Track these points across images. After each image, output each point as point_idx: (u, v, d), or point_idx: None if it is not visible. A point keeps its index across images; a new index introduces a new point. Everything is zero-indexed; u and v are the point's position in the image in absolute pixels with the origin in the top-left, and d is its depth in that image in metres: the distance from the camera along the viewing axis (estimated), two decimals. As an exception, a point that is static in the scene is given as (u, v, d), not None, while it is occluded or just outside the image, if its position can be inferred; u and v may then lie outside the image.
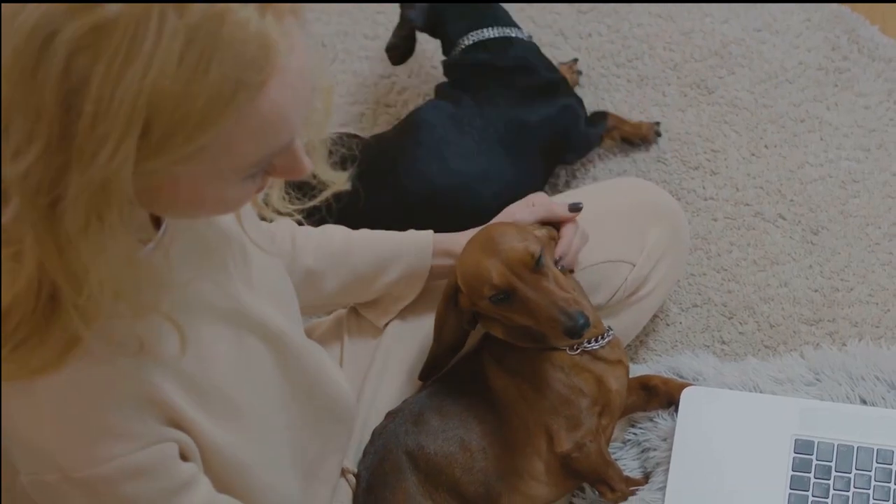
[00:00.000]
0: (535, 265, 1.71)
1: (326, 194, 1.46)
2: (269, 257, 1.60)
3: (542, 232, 1.82)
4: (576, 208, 1.86)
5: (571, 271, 1.88)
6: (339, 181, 1.44)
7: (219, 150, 1.13)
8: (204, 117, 1.08)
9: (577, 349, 1.82)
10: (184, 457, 1.40)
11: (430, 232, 1.90)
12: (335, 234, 1.88)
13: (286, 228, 1.84)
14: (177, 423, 1.37)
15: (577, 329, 1.68)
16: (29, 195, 1.08)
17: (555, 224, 1.86)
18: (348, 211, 1.93)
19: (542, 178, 2.35)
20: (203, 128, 1.09)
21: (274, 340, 1.55)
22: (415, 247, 1.88)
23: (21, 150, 1.07)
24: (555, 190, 2.43)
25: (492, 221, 1.86)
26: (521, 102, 2.30)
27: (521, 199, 1.90)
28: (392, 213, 2.11)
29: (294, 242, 1.84)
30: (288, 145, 1.20)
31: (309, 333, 1.92)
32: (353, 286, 1.89)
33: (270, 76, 1.11)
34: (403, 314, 1.94)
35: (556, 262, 1.80)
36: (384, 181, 2.20)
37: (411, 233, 1.91)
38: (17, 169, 1.07)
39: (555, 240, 1.82)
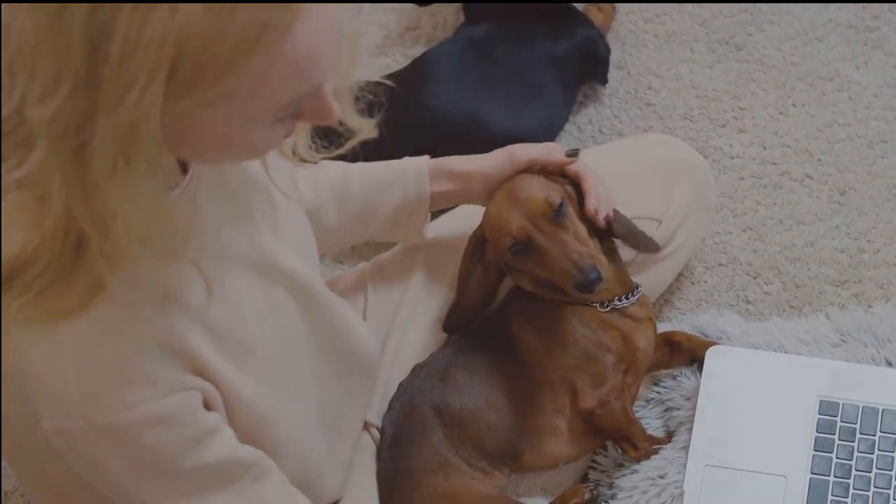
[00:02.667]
0: (556, 216, 1.71)
1: (353, 142, 1.45)
2: (294, 206, 1.60)
3: (568, 186, 1.81)
4: (573, 154, 1.82)
5: (609, 229, 1.84)
6: (367, 128, 1.43)
7: (247, 93, 1.12)
8: (231, 58, 1.07)
9: (608, 306, 1.81)
10: (207, 406, 1.39)
11: (426, 157, 1.89)
12: (330, 166, 1.86)
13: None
14: (201, 372, 1.37)
15: (587, 284, 1.68)
16: (56, 139, 1.08)
17: (575, 185, 1.84)
18: (373, 158, 1.92)
19: (562, 109, 2.36)
20: (230, 69, 1.08)
21: (300, 290, 1.55)
22: (412, 167, 1.86)
23: (48, 92, 1.06)
24: (581, 145, 2.42)
25: (495, 154, 1.84)
26: (542, 35, 2.31)
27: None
28: (408, 150, 2.08)
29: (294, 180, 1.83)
30: (316, 89, 1.19)
31: (332, 286, 1.91)
32: (356, 215, 1.86)
33: (297, 17, 1.10)
34: (427, 269, 1.94)
35: (592, 215, 1.79)
36: (398, 119, 2.20)
37: (407, 158, 1.90)
38: (44, 112, 1.07)
39: (571, 197, 1.80)
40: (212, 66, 1.07)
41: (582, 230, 1.76)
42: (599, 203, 1.79)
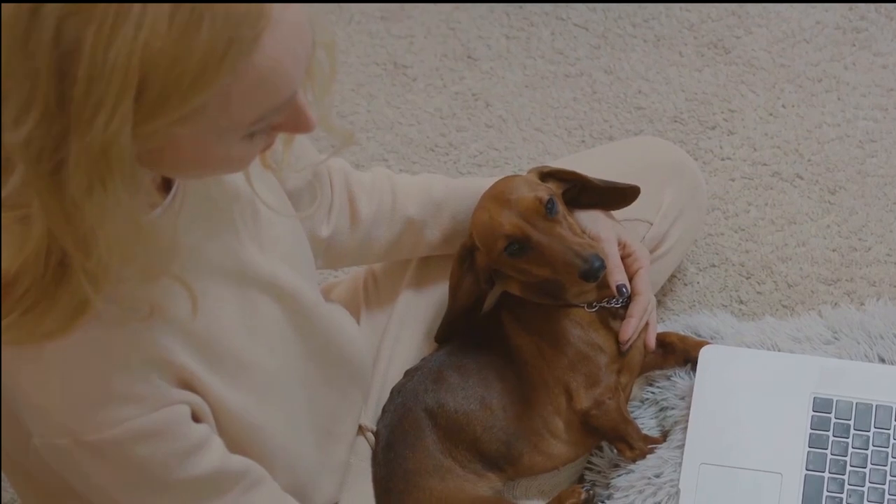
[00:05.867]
0: (547, 212, 1.71)
1: (337, 151, 1.45)
2: (284, 216, 1.60)
3: (550, 185, 1.81)
4: (620, 290, 1.82)
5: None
6: (346, 136, 1.43)
7: (218, 109, 1.12)
8: (199, 75, 1.08)
9: (595, 306, 1.82)
10: (196, 418, 1.40)
11: None
12: (435, 182, 1.88)
13: (384, 176, 1.85)
14: (188, 385, 1.38)
15: (593, 271, 1.68)
16: (32, 161, 1.09)
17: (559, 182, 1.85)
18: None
19: None
20: (199, 86, 1.08)
21: (287, 300, 1.55)
22: None
23: (20, 117, 1.07)
24: (572, 149, 2.43)
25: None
26: None
27: None
28: None
29: (394, 191, 1.84)
30: (289, 100, 1.19)
31: (326, 293, 1.92)
32: (457, 235, 1.87)
33: (264, 30, 1.10)
34: (420, 274, 1.94)
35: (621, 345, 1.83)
36: None
37: None
38: (18, 136, 1.07)
39: (557, 195, 1.79)
40: (179, 84, 1.07)
41: (575, 224, 1.77)
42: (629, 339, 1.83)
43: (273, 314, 1.53)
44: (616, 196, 1.86)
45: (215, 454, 1.42)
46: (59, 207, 1.11)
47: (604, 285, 1.81)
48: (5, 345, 1.22)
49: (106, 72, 1.04)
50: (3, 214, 1.13)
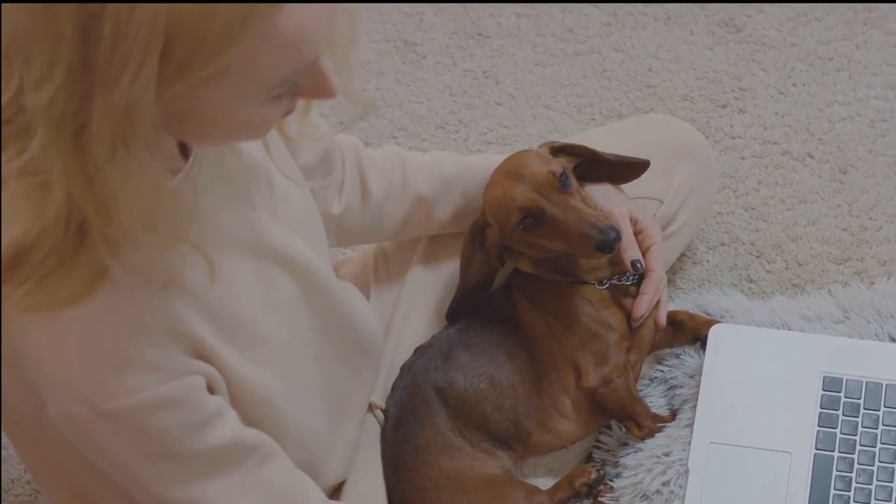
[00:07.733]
0: (561, 185, 1.71)
1: (357, 119, 1.45)
2: (297, 190, 1.60)
3: (562, 159, 1.81)
4: (635, 266, 1.83)
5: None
6: (368, 104, 1.43)
7: (241, 71, 1.12)
8: (223, 36, 1.07)
9: (605, 283, 1.81)
10: (211, 390, 1.40)
11: None
12: (446, 160, 1.88)
13: (394, 154, 1.85)
14: (203, 356, 1.38)
15: (608, 242, 1.67)
16: (54, 124, 1.08)
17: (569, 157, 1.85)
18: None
19: None
20: (223, 47, 1.08)
21: (300, 273, 1.55)
22: None
23: (43, 79, 1.06)
24: (581, 127, 2.42)
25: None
26: None
27: None
28: None
29: (405, 169, 1.84)
30: (312, 64, 1.18)
31: (335, 271, 1.92)
32: (467, 213, 1.87)
33: None
34: (430, 251, 1.94)
35: (632, 321, 1.83)
36: None
37: None
38: (40, 98, 1.07)
39: (569, 169, 1.79)
40: (203, 45, 1.07)
41: (588, 197, 1.77)
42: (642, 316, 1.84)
43: (287, 287, 1.53)
44: (626, 170, 1.86)
45: (229, 427, 1.42)
46: (81, 172, 1.10)
47: (615, 262, 1.81)
48: (23, 311, 1.22)
49: (130, 32, 1.04)
50: (23, 182, 1.13)
